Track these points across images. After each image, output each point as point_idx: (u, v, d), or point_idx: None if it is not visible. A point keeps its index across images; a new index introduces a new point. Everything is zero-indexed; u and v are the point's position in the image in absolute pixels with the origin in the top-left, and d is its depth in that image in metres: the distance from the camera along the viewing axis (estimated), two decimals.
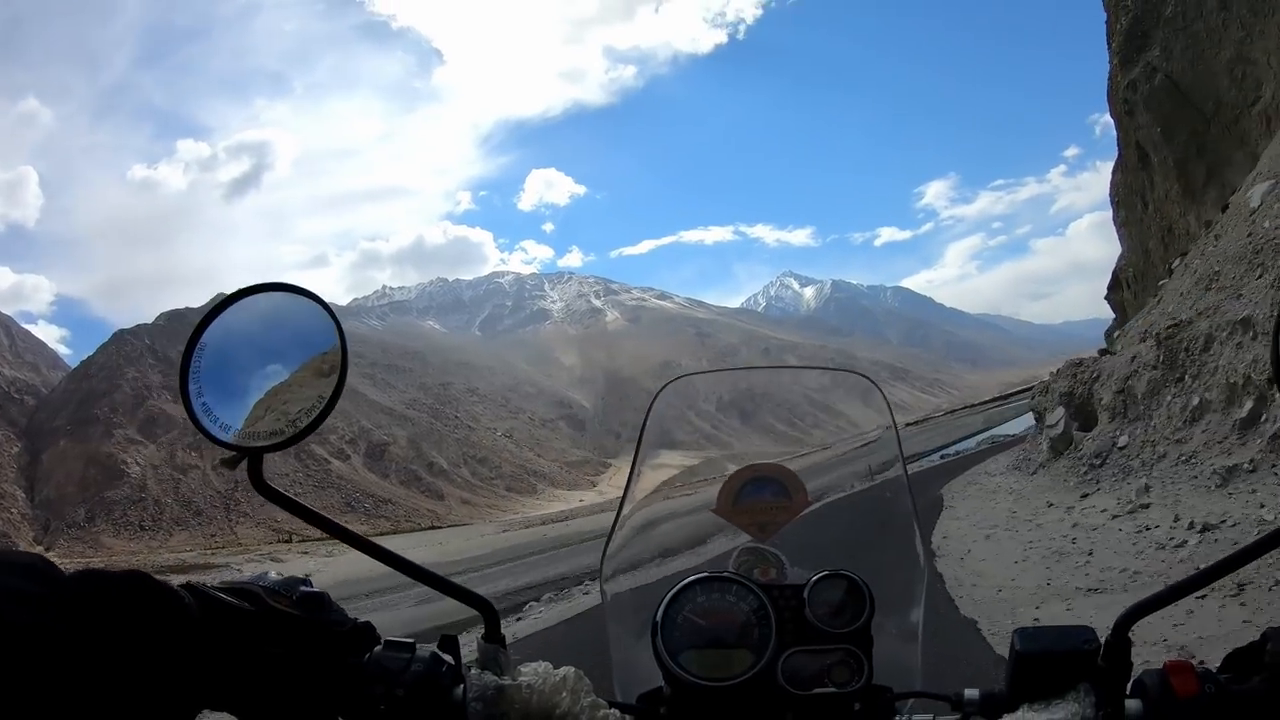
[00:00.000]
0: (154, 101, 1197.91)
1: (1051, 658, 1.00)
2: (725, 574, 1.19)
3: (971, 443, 60.89)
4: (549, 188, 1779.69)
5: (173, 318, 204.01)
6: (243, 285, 1.07)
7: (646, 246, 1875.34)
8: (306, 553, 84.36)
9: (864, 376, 1.69)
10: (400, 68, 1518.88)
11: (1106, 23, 54.28)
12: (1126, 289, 64.92)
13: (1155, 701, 0.95)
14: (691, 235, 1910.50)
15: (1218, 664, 1.02)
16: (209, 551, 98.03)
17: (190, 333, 1.07)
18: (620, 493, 1.46)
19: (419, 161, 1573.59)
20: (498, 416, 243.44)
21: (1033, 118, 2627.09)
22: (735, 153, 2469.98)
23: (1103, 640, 1.01)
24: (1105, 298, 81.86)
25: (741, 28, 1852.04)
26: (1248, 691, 0.93)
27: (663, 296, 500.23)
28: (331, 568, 66.26)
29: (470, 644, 1.08)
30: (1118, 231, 70.67)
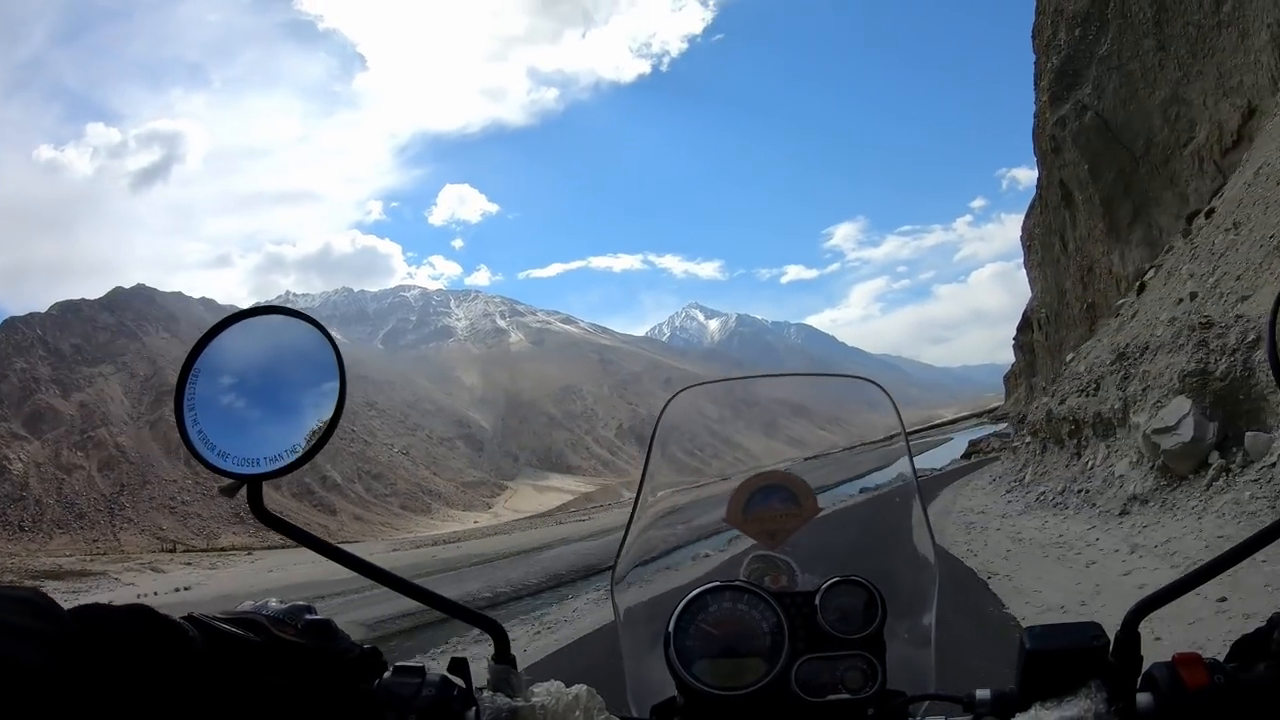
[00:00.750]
0: (66, 80, 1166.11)
1: (1061, 655, 1.00)
2: (736, 583, 1.20)
3: (881, 477, 60.39)
4: (462, 204, 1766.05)
5: (66, 308, 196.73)
6: (235, 310, 1.08)
7: (555, 270, 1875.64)
8: (190, 564, 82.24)
9: (873, 383, 1.62)
10: (322, 70, 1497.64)
11: (1035, 63, 54.41)
12: (1038, 329, 65.08)
13: (1166, 695, 0.95)
14: (601, 261, 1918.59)
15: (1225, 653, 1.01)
16: (88, 558, 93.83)
17: (184, 358, 1.05)
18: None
19: (332, 167, 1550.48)
20: (395, 433, 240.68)
21: (943, 168, 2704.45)
22: (649, 182, 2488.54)
23: (1112, 636, 1.01)
24: (1014, 339, 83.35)
25: (665, 60, 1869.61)
26: (1257, 680, 0.94)
27: (568, 321, 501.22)
28: (215, 580, 63.49)
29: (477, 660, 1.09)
30: (1028, 275, 71.27)
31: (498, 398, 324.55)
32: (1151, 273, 27.74)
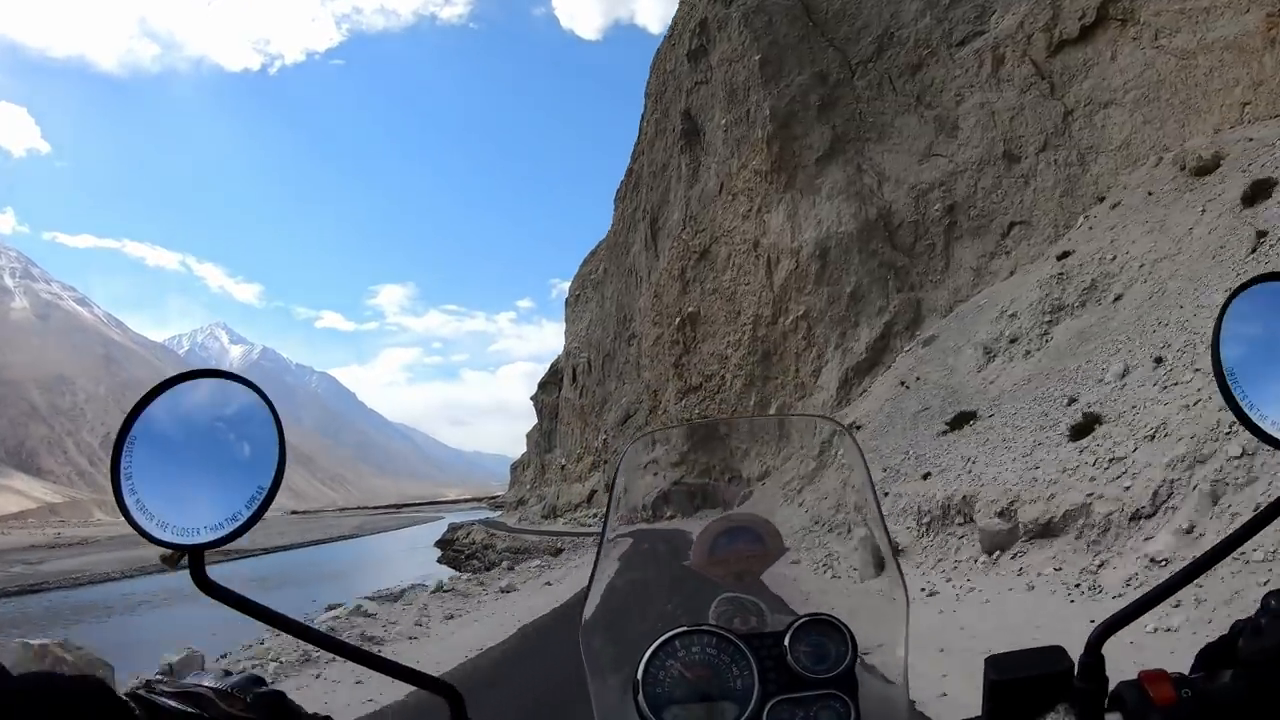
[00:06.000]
0: None
1: (1026, 683, 0.96)
2: (704, 626, 1.16)
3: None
4: (10, 128, 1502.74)
5: None
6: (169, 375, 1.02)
7: (86, 241, 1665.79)
8: None
9: (834, 422, 1.60)
10: None
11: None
12: (571, 384, 43.97)
13: (1134, 713, 0.92)
14: (137, 248, 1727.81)
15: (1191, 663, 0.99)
16: None
17: (119, 425, 0.97)
18: None
19: None
20: None
21: (503, 261, 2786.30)
22: (215, 182, 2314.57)
23: (1075, 659, 0.98)
24: (532, 398, 71.17)
25: (278, 64, 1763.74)
26: (1224, 692, 0.91)
27: (83, 302, 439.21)
28: None
29: None
30: (568, 328, 51.76)
31: None
32: None
